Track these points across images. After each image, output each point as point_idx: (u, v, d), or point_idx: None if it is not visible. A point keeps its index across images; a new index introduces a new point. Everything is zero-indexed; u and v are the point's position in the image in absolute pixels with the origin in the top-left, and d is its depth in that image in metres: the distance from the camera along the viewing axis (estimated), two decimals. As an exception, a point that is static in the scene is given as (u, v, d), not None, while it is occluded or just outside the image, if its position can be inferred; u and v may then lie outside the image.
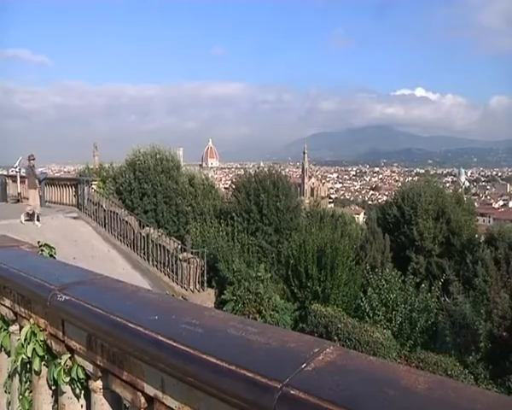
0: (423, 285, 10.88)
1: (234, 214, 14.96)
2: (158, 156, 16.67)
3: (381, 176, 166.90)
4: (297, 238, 13.17)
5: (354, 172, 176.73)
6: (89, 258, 9.76)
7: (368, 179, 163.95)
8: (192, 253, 10.82)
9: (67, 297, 1.33)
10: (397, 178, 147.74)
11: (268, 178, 15.84)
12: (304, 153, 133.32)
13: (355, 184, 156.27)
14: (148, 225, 12.04)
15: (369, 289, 11.21)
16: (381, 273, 11.47)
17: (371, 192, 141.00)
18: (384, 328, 10.03)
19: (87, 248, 10.80)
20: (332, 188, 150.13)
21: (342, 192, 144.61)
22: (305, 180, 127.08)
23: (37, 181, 11.58)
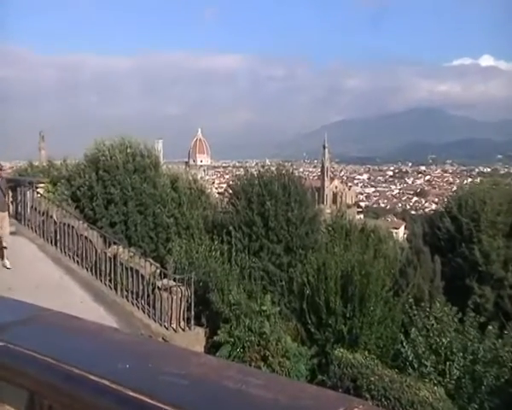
0: (491, 327, 10.79)
1: (231, 228, 14.97)
2: (129, 151, 16.82)
3: (428, 177, 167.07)
4: (314, 260, 13.15)
5: (391, 173, 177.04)
6: (32, 288, 9.77)
7: (410, 182, 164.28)
8: (175, 280, 10.84)
9: (1, 343, 1.26)
10: (451, 180, 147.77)
11: (276, 180, 15.87)
12: (324, 147, 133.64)
13: (392, 187, 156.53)
14: (115, 243, 12.09)
15: (413, 329, 11.16)
16: (428, 309, 11.42)
17: (415, 199, 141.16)
18: (435, 384, 9.95)
19: (30, 274, 10.84)
20: (361, 193, 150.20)
21: (375, 199, 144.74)
22: (326, 183, 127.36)
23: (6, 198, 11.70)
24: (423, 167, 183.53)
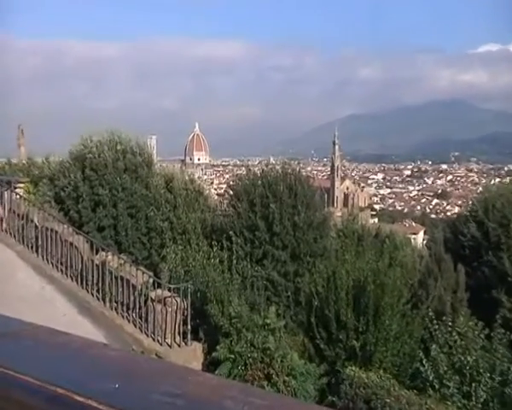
0: (522, 345, 10.76)
1: (231, 233, 14.98)
2: (119, 147, 16.89)
3: (450, 177, 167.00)
4: (324, 269, 13.16)
5: (409, 172, 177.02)
6: (11, 299, 9.77)
7: (430, 182, 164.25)
8: (170, 290, 10.86)
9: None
10: (476, 180, 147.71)
11: (281, 180, 15.89)
12: (334, 144, 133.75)
13: (410, 188, 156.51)
14: (104, 249, 12.12)
15: (434, 346, 11.11)
16: (451, 324, 11.36)
17: (435, 201, 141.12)
18: (458, 407, 9.91)
19: (8, 284, 10.85)
20: (376, 195, 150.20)
21: (391, 201, 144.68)
22: (336, 184, 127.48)
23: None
24: (445, 166, 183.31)
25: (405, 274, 13.86)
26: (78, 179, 16.29)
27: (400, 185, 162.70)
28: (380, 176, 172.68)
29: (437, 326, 11.39)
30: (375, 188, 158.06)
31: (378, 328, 11.91)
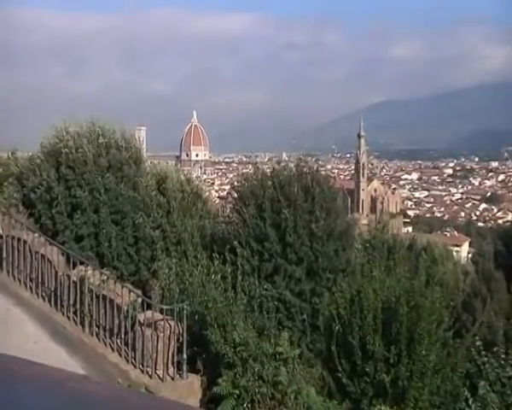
0: None
1: (236, 244, 15.01)
2: (101, 141, 16.94)
3: (502, 176, 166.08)
4: (347, 287, 13.13)
5: (451, 171, 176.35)
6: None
7: (477, 183, 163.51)
8: (162, 312, 10.85)
9: None
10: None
11: (296, 180, 15.91)
12: (359, 136, 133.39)
13: (453, 191, 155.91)
14: (82, 263, 12.15)
15: (482, 383, 11.05)
16: (504, 356, 11.32)
17: (483, 206, 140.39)
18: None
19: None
20: (410, 198, 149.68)
21: (429, 206, 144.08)
22: (362, 185, 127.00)
23: None
24: (495, 164, 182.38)
25: (446, 295, 13.77)
26: (52, 179, 16.33)
27: (440, 187, 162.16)
28: (415, 176, 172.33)
29: (486, 359, 11.32)
30: (409, 190, 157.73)
31: (413, 359, 11.85)
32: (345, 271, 15.30)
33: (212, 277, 13.70)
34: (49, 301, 11.77)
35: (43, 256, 12.14)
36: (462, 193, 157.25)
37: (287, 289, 14.94)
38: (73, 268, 11.95)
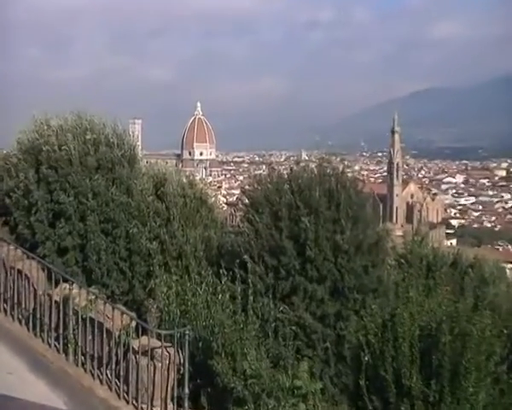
0: None
1: (247, 258, 15.01)
2: (89, 137, 16.97)
3: None
4: (377, 310, 13.05)
5: (504, 173, 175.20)
6: None
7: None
8: (160, 337, 10.87)
9: None
10: None
11: (318, 183, 15.88)
12: (393, 132, 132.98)
13: (506, 197, 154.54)
14: (66, 280, 12.21)
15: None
16: None
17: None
18: None
19: None
20: (454, 205, 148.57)
21: (477, 215, 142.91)
22: (396, 189, 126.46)
23: None
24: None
25: (498, 321, 13.66)
26: (31, 181, 16.38)
27: (490, 192, 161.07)
28: (460, 178, 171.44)
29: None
30: (453, 196, 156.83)
31: (457, 398, 11.75)
32: (375, 291, 15.23)
33: (219, 297, 13.71)
34: (27, 324, 11.82)
35: (19, 272, 12.21)
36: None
37: (307, 311, 14.88)
38: (56, 286, 12.00)
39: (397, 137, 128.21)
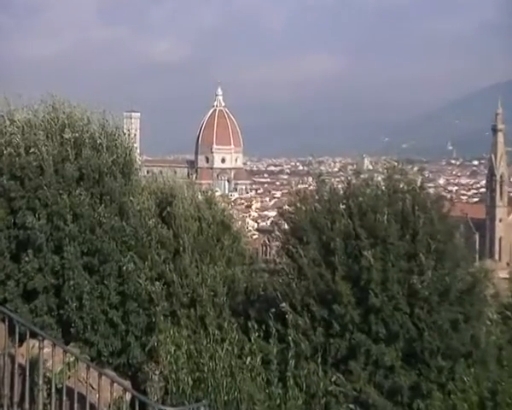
0: None
1: (286, 307, 15.02)
2: (68, 135, 17.03)
3: None
4: (473, 384, 12.96)
5: None
6: None
7: None
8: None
9: None
10: None
11: (386, 203, 15.84)
12: (495, 130, 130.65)
13: None
14: (35, 335, 12.25)
15: None
16: None
17: None
18: None
19: None
20: None
21: None
22: (500, 213, 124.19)
23: None
24: None
25: None
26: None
27: None
28: None
29: None
30: None
31: None
32: (469, 356, 15.04)
33: (247, 360, 13.73)
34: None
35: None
36: None
37: (370, 383, 14.82)
38: (20, 344, 12.05)
39: (500, 137, 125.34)
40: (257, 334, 14.23)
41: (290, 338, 14.26)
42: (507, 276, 24.98)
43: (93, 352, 15.03)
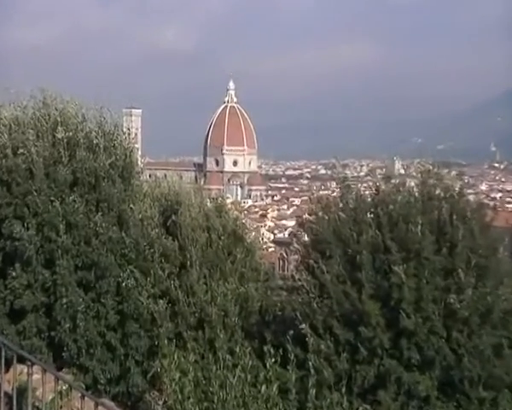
0: None
1: (306, 329, 15.02)
2: (60, 135, 17.08)
3: None
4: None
5: None
6: None
7: None
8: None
9: None
10: None
11: (420, 211, 15.82)
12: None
13: None
14: (23, 360, 12.28)
15: None
16: None
17: None
18: None
19: None
20: None
21: None
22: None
23: None
24: None
25: None
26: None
27: None
28: None
29: None
30: None
31: None
32: (515, 386, 15.00)
33: (262, 389, 13.73)
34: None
35: None
36: None
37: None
38: (6, 369, 12.09)
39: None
40: (273, 359, 14.20)
41: (311, 364, 14.24)
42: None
43: (88, 379, 15.05)
